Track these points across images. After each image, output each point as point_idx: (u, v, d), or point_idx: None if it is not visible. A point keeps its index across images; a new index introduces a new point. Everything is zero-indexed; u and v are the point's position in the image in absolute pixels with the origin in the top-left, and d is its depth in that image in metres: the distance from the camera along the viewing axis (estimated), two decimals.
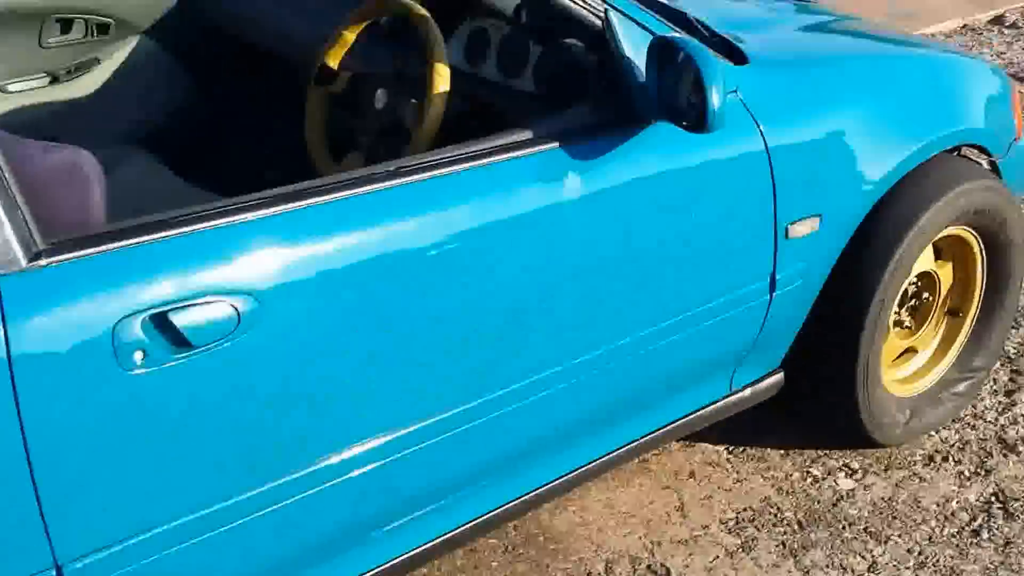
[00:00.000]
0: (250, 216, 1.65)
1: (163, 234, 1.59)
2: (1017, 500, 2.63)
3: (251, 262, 1.64)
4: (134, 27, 3.01)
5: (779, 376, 2.58)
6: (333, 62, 2.44)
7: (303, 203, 1.70)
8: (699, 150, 2.11)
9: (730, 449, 2.78)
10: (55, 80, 2.92)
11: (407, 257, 1.80)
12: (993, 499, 2.64)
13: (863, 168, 2.40)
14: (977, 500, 2.64)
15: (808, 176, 2.32)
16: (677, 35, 2.00)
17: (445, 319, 1.87)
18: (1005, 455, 2.78)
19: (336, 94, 2.46)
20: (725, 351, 2.41)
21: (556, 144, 1.96)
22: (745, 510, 2.60)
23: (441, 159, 1.86)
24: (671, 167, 2.10)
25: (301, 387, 1.74)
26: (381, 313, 1.79)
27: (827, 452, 2.77)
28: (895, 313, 2.69)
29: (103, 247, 1.54)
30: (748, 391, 2.53)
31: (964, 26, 5.92)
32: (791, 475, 2.71)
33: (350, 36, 2.42)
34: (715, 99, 1.88)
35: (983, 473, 2.73)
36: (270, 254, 1.66)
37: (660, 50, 1.96)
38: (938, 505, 2.63)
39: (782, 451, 2.78)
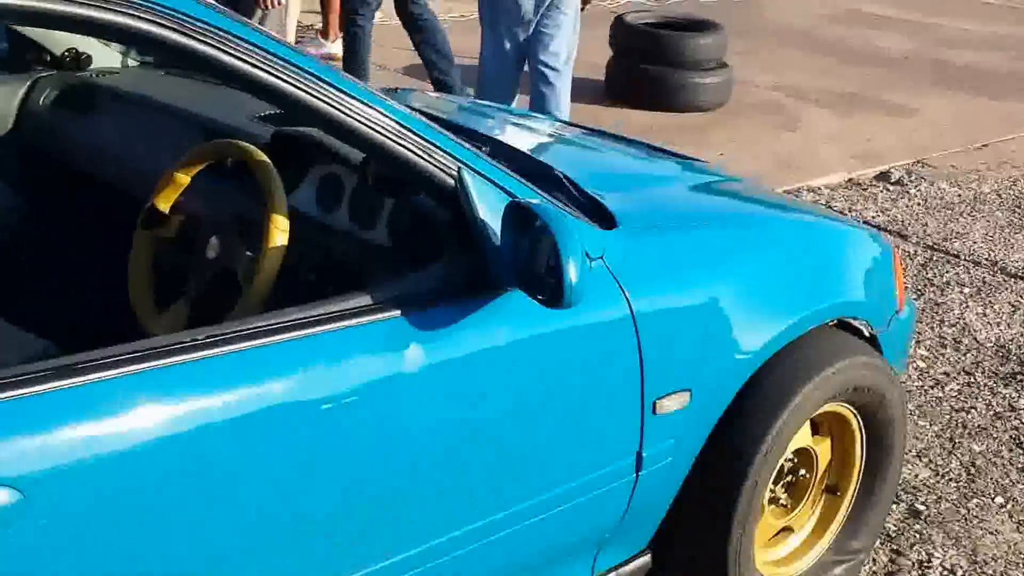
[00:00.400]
0: (15, 393, 1.42)
1: None
2: None
3: (13, 446, 1.41)
4: None
5: (646, 558, 2.38)
6: (163, 205, 2.24)
7: (80, 380, 1.47)
8: (558, 319, 1.92)
9: None
10: None
11: (211, 441, 1.58)
12: None
13: (737, 341, 2.26)
14: None
15: (678, 348, 2.17)
16: (534, 200, 1.84)
17: (258, 508, 1.65)
18: None
19: (165, 238, 2.25)
20: (586, 534, 2.21)
21: (399, 312, 1.78)
22: None
23: (259, 328, 1.66)
24: (527, 336, 1.92)
25: None
26: (178, 504, 1.56)
27: None
28: (770, 490, 2.53)
29: None
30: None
31: (849, 180, 5.93)
32: None
33: (183, 178, 2.23)
34: (572, 273, 1.72)
35: None
36: (39, 436, 1.43)
37: (516, 215, 1.80)
38: None
39: None
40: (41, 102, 2.86)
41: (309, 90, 1.71)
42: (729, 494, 2.32)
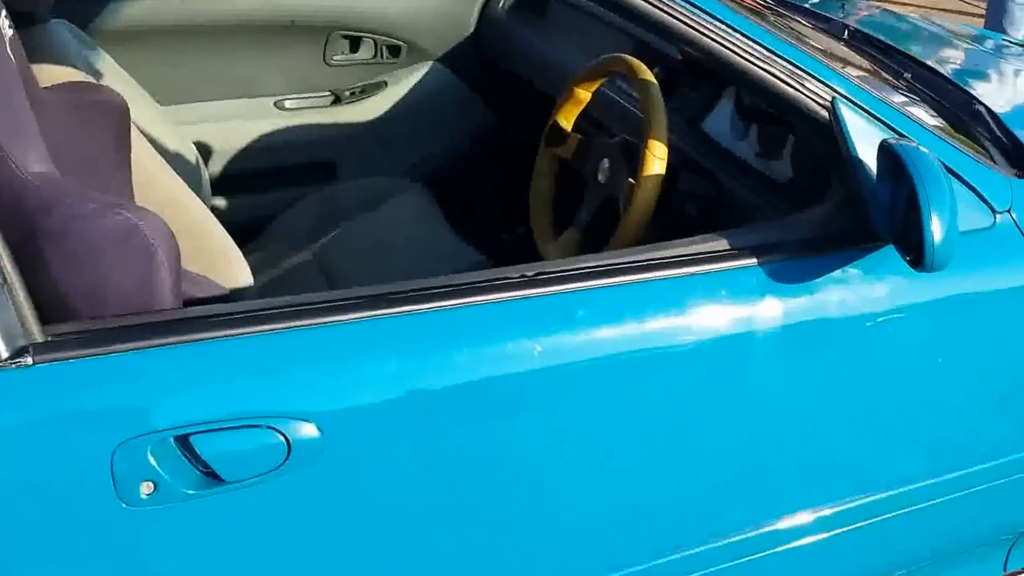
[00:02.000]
0: (313, 321, 1.34)
1: (193, 336, 1.28)
2: None
3: (311, 376, 1.33)
4: (428, 54, 2.89)
5: None
6: (565, 122, 2.16)
7: (391, 311, 1.37)
8: (951, 279, 1.65)
9: None
10: (337, 100, 2.85)
11: (530, 388, 1.45)
12: None
13: None
14: None
15: None
16: (903, 140, 1.57)
17: (580, 476, 1.55)
18: None
19: (565, 158, 2.18)
20: (994, 525, 1.97)
21: (772, 257, 1.58)
22: None
23: (606, 266, 1.51)
24: (914, 298, 1.66)
25: (369, 546, 1.43)
26: (489, 453, 1.47)
27: None
28: None
29: (114, 346, 1.25)
30: None
31: None
32: None
33: (584, 94, 2.14)
34: (936, 232, 1.45)
35: None
36: (340, 369, 1.34)
37: (886, 157, 1.55)
38: None
39: None
40: (501, 5, 2.88)
41: (664, 7, 1.57)
42: None
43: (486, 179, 2.93)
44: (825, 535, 1.76)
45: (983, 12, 5.29)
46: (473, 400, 1.42)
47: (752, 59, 1.61)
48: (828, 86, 1.63)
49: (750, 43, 1.61)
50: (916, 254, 1.49)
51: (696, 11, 1.59)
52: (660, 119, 1.87)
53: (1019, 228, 1.71)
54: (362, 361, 1.36)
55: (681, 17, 1.59)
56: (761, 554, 1.73)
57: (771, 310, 1.58)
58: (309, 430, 1.31)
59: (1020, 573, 2.03)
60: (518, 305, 1.45)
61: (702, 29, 1.59)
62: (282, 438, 1.30)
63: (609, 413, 1.53)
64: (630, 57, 2.01)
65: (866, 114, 1.63)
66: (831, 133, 1.63)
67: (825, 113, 1.63)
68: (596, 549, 1.62)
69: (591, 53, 2.46)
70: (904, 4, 6.00)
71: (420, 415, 1.39)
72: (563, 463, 1.52)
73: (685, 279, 1.54)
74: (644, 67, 1.96)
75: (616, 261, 1.54)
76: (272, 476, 1.31)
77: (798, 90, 1.63)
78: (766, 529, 1.72)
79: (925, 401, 1.75)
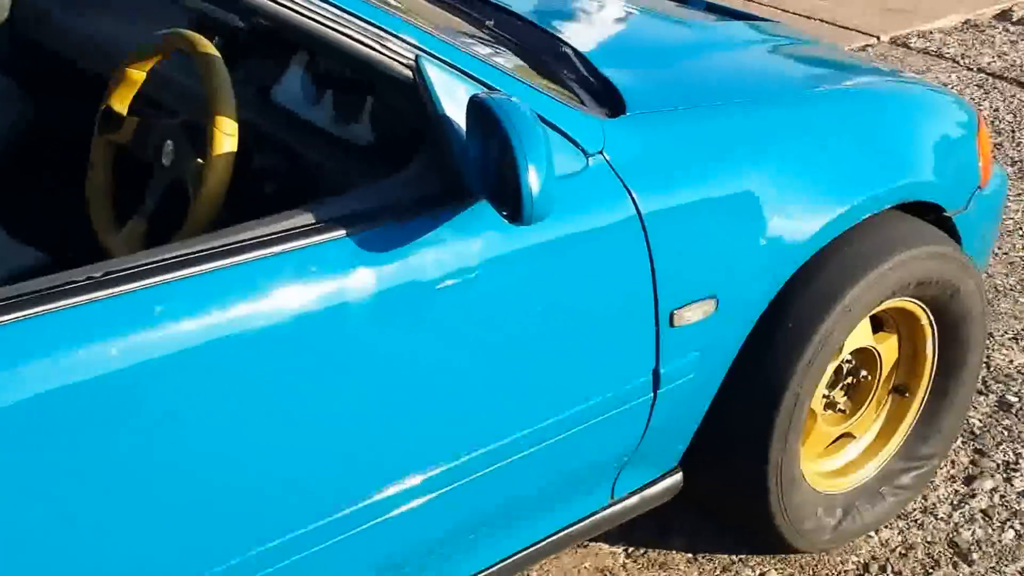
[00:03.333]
0: None
1: None
2: None
3: None
4: None
5: (676, 477, 2.16)
6: (120, 105, 2.01)
7: None
8: (545, 227, 1.65)
9: (628, 551, 2.36)
10: None
11: (110, 392, 1.36)
12: None
13: (773, 238, 1.97)
14: None
15: (698, 251, 1.90)
16: (494, 93, 1.56)
17: (183, 471, 1.46)
18: (955, 564, 2.35)
19: (123, 144, 2.03)
20: (600, 458, 1.99)
21: (353, 229, 1.53)
22: None
23: (159, 261, 1.41)
24: (509, 250, 1.66)
25: None
26: (75, 464, 1.36)
27: (742, 557, 2.35)
28: (824, 396, 2.27)
29: None
30: (635, 499, 2.11)
31: (966, 22, 5.41)
32: None
33: (137, 75, 1.99)
34: (534, 183, 1.46)
35: None
36: None
37: (477, 111, 1.53)
38: None
39: (689, 555, 2.35)
40: None
41: None
42: (765, 408, 2.07)
43: (36, 173, 2.69)
44: (441, 491, 1.74)
45: None
46: (49, 414, 1.32)
47: (326, 22, 1.55)
48: (410, 44, 1.59)
49: (323, 5, 1.54)
50: (513, 208, 1.49)
51: None
52: (225, 94, 1.77)
53: (612, 168, 1.76)
54: None
55: None
56: (380, 519, 1.69)
57: (365, 280, 1.54)
58: None
59: (627, 498, 2.09)
60: (87, 309, 1.35)
61: None
62: None
63: (203, 405, 1.45)
64: (186, 31, 1.89)
65: (452, 69, 1.61)
66: (417, 93, 1.59)
67: (409, 73, 1.59)
68: (210, 540, 1.53)
69: (144, 30, 2.31)
70: None
71: None
72: (159, 461, 1.44)
73: (270, 259, 1.48)
74: (203, 39, 1.85)
75: (193, 250, 1.45)
76: None
77: (379, 51, 1.58)
78: (382, 496, 1.67)
79: (527, 350, 1.76)
